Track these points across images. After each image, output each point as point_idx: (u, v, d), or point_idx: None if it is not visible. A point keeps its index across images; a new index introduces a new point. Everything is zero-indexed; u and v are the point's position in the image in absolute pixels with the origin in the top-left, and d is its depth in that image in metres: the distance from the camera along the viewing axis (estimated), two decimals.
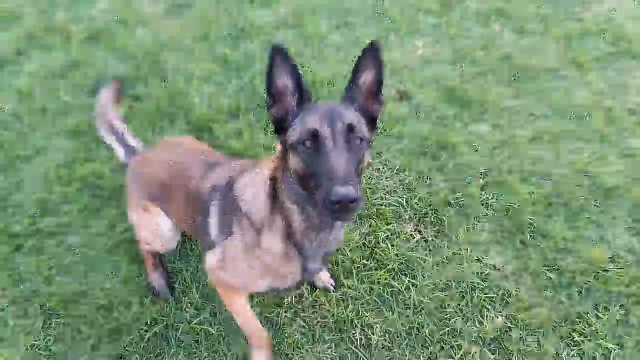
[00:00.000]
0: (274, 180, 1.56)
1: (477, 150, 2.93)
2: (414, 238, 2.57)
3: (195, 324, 2.19)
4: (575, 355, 2.27)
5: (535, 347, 2.28)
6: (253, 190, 1.65)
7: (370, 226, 2.58)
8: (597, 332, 2.33)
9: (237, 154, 2.72)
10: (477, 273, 2.47)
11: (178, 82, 2.96)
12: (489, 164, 2.88)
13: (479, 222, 2.65)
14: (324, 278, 2.31)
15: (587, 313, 2.38)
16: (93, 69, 2.95)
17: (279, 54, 1.38)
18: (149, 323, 2.16)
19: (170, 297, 2.22)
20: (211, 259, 1.76)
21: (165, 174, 1.97)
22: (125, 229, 2.39)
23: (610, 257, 2.58)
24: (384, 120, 2.97)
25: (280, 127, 1.46)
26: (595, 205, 2.77)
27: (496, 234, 2.63)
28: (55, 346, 2.09)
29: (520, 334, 2.30)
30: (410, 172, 2.79)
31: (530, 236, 2.62)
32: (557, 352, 2.27)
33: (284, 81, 1.42)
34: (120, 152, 2.27)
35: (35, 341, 2.10)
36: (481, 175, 2.83)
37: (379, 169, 2.80)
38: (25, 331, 2.11)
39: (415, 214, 2.66)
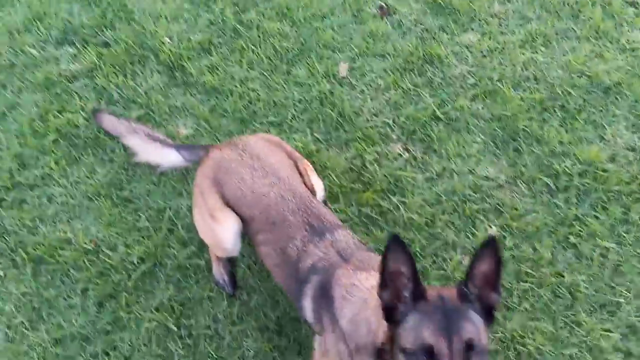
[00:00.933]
0: (381, 349, 1.46)
1: (463, 61, 2.78)
2: (402, 156, 2.49)
3: (184, 258, 2.20)
4: (572, 256, 2.22)
5: (531, 253, 2.23)
6: (354, 312, 1.57)
7: (356, 149, 2.50)
8: (594, 233, 2.26)
9: (214, 88, 2.64)
10: (469, 185, 2.39)
11: (146, 23, 2.85)
12: (479, 73, 2.73)
13: (469, 134, 2.54)
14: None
15: (585, 215, 2.31)
16: (58, 20, 2.86)
17: (394, 242, 1.27)
18: (135, 263, 2.16)
19: (232, 292, 2.15)
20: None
21: (263, 210, 1.85)
22: (105, 174, 2.39)
23: (609, 157, 2.47)
24: (366, 39, 2.84)
25: (389, 315, 1.36)
26: (593, 105, 2.63)
27: (488, 145, 2.52)
28: (47, 292, 2.12)
29: (515, 241, 2.26)
30: (396, 90, 2.66)
31: (525, 142, 2.51)
32: (552, 255, 2.23)
33: (399, 266, 1.31)
34: (172, 155, 2.19)
35: (27, 289, 2.13)
36: (470, 86, 2.69)
37: (363, 90, 2.68)
38: (15, 280, 2.13)
39: (402, 133, 2.56)
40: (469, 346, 1.27)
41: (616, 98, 2.65)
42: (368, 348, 1.53)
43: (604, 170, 2.40)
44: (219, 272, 2.17)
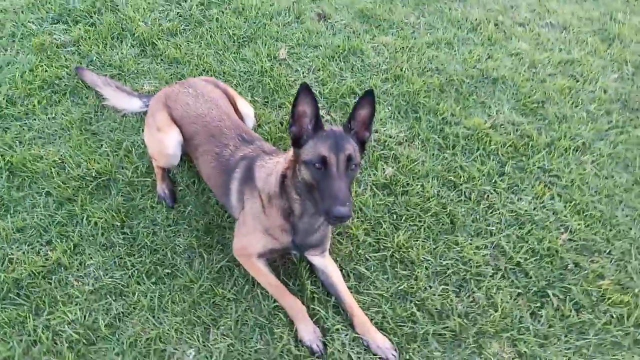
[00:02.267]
0: (285, 176, 2.00)
1: (380, 54, 3.43)
2: (325, 118, 3.04)
3: (134, 177, 2.64)
4: (454, 194, 2.72)
5: (420, 189, 2.72)
6: (268, 173, 2.10)
7: (287, 111, 3.02)
8: (474, 178, 2.78)
9: (176, 59, 3.22)
10: (375, 139, 2.93)
11: (127, 11, 3.48)
12: (391, 63, 3.38)
13: (379, 104, 3.11)
14: (383, 345, 2.15)
15: (467, 165, 2.84)
16: (55, 5, 3.46)
17: (305, 89, 1.81)
18: (93, 176, 2.60)
19: (172, 204, 2.57)
20: (237, 236, 2.23)
21: (203, 124, 2.37)
22: (78, 114, 2.87)
23: (491, 126, 3.04)
24: (304, 35, 3.48)
25: (296, 142, 1.89)
26: (482, 91, 3.26)
27: (394, 113, 3.10)
28: (16, 193, 2.52)
29: (407, 180, 2.75)
30: (324, 72, 3.26)
31: (423, 113, 3.10)
32: (438, 193, 2.72)
33: (305, 108, 1.85)
34: (135, 102, 2.81)
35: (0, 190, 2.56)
36: (383, 71, 3.32)
37: (297, 69, 3.28)
38: None
39: (327, 102, 3.12)
40: (349, 159, 1.83)
41: (501, 87, 3.30)
42: (276, 193, 2.04)
43: (487, 135, 2.97)
44: (161, 188, 2.60)
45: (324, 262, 2.30)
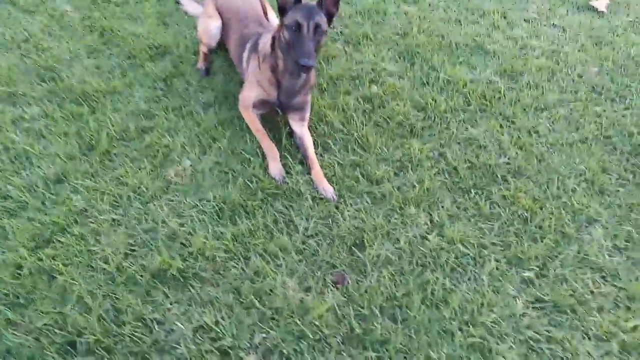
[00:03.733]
0: (275, 37, 2.76)
1: (399, 18, 4.17)
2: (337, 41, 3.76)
3: (182, 53, 3.49)
4: (421, 113, 3.29)
5: (394, 106, 3.32)
6: (265, 39, 2.89)
7: None
8: (441, 107, 3.32)
9: None
10: (372, 69, 3.60)
11: None
12: (406, 28, 4.07)
13: (383, 50, 3.79)
14: (328, 189, 2.75)
15: (439, 98, 3.39)
16: None
17: None
18: (156, 46, 3.49)
19: (206, 75, 3.38)
20: (242, 92, 2.99)
21: (236, 13, 3.22)
22: (160, 7, 3.79)
23: (470, 79, 3.60)
24: None
25: (282, 11, 2.62)
26: (473, 56, 3.85)
27: (395, 55, 3.76)
28: (102, 46, 3.45)
29: (387, 99, 3.37)
30: (349, 20, 4.03)
31: (418, 60, 3.73)
32: (408, 111, 3.30)
33: None
34: (198, 8, 3.72)
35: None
36: (396, 28, 4.02)
37: None
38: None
39: (344, 39, 3.87)
40: (317, 26, 2.54)
41: (490, 58, 3.86)
42: (268, 52, 2.77)
43: (464, 83, 3.53)
44: (201, 64, 3.43)
45: (302, 131, 2.96)
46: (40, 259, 2.27)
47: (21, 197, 2.52)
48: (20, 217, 2.44)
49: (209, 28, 3.26)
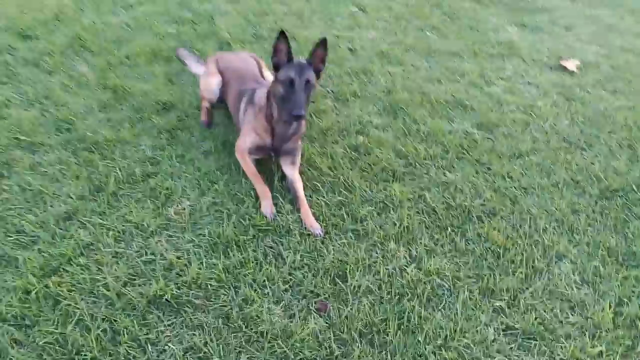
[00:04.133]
0: (269, 91, 3.16)
1: (385, 78, 4.55)
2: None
3: (186, 109, 3.84)
4: (402, 161, 3.60)
5: (378, 153, 3.60)
6: (261, 93, 3.30)
7: None
8: (420, 155, 3.61)
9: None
10: (360, 122, 3.92)
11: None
12: (390, 87, 4.45)
13: (373, 104, 4.17)
14: (315, 226, 2.96)
15: (420, 147, 3.69)
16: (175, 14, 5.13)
17: (282, 34, 2.96)
18: (163, 102, 3.85)
19: (209, 127, 3.72)
20: (238, 140, 3.34)
21: (235, 73, 3.65)
22: (168, 69, 4.20)
23: (449, 131, 3.90)
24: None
25: (276, 68, 3.03)
26: (452, 110, 4.20)
27: (380, 110, 4.11)
28: (114, 102, 3.81)
29: (372, 147, 3.65)
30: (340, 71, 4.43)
31: (401, 114, 4.07)
32: (391, 158, 3.58)
33: (283, 46, 3.01)
34: (201, 67, 4.11)
35: None
36: (383, 91, 4.38)
37: None
38: None
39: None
40: (307, 81, 2.91)
41: (469, 112, 4.21)
42: (263, 104, 3.13)
43: (442, 134, 3.83)
44: (204, 117, 3.78)
45: (292, 173, 3.23)
46: (47, 286, 2.47)
47: (34, 232, 2.76)
48: (32, 250, 2.67)
49: (211, 85, 3.64)
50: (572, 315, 2.61)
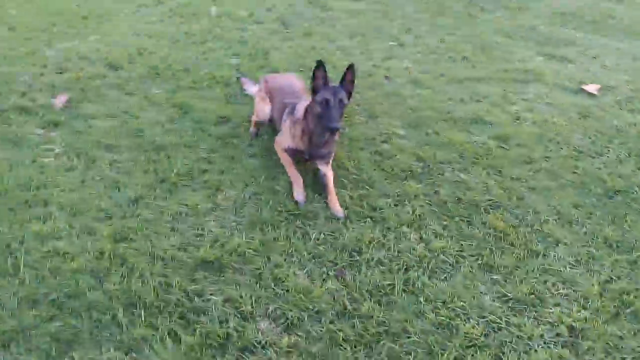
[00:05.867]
0: (307, 109, 3.78)
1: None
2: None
3: (239, 121, 4.47)
4: (421, 164, 4.00)
5: (401, 157, 4.02)
6: (300, 107, 3.93)
7: None
8: (438, 159, 3.99)
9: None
10: (384, 132, 4.38)
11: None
12: (418, 106, 4.90)
13: (397, 119, 4.63)
14: (339, 210, 3.44)
15: (438, 152, 4.09)
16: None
17: (321, 64, 3.64)
18: (221, 117, 4.51)
19: (256, 137, 4.31)
20: (278, 137, 4.03)
21: (280, 90, 4.29)
22: (226, 91, 4.91)
23: (467, 140, 4.26)
24: None
25: (314, 92, 3.63)
26: (473, 126, 4.57)
27: (405, 124, 4.56)
28: (179, 116, 4.52)
29: (394, 153, 4.09)
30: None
31: (425, 128, 4.49)
32: (411, 163, 3.99)
33: (320, 73, 3.65)
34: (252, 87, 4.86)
35: None
36: (410, 109, 4.85)
37: None
38: None
39: None
40: (340, 100, 3.49)
41: (489, 127, 4.56)
42: (301, 119, 3.70)
43: (460, 144, 4.21)
44: (252, 130, 4.39)
45: (325, 169, 3.74)
46: (117, 249, 3.06)
47: (110, 210, 3.40)
48: (107, 224, 3.29)
49: (263, 110, 4.28)
50: (562, 289, 2.88)
